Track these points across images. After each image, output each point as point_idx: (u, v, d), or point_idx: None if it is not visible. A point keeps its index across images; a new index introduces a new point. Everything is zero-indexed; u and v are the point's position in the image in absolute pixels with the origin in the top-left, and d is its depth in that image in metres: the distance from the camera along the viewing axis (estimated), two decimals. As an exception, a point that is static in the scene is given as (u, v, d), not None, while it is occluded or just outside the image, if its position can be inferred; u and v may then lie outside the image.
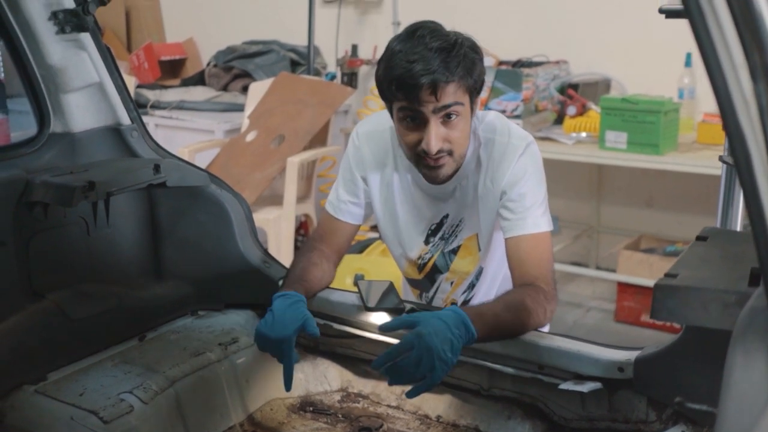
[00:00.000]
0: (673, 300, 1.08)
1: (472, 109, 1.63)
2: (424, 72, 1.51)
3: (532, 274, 1.61)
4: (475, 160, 1.72)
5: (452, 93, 1.55)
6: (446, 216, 1.80)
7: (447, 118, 1.58)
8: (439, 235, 1.82)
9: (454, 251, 1.82)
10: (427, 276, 1.89)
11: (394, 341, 1.67)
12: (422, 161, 1.63)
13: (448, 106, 1.56)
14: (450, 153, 1.61)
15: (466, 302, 1.87)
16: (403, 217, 1.83)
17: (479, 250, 1.80)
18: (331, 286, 1.84)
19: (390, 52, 1.57)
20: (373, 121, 1.85)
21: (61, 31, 1.73)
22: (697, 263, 1.20)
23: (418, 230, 1.83)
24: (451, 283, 1.87)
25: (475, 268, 1.83)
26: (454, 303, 1.88)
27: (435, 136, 1.57)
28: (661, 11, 1.87)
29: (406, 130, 1.62)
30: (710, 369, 1.18)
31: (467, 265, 1.83)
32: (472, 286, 1.86)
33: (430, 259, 1.86)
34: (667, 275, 1.12)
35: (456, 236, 1.81)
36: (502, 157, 1.68)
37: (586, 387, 1.45)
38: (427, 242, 1.84)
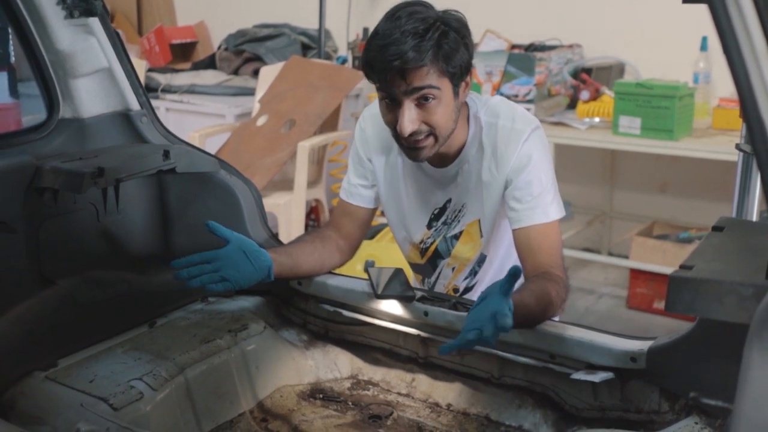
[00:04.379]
0: (689, 292, 1.06)
1: (457, 93, 1.60)
2: (393, 56, 1.50)
3: (546, 262, 1.60)
4: (477, 144, 1.70)
5: (424, 76, 1.53)
6: (449, 200, 1.78)
7: (423, 101, 1.56)
8: (442, 219, 1.81)
9: (456, 237, 1.81)
10: (429, 261, 1.88)
11: (404, 329, 1.67)
12: (401, 142, 1.62)
13: (420, 89, 1.54)
14: (430, 134, 1.59)
15: (468, 289, 1.86)
16: (407, 200, 1.82)
17: (481, 236, 1.78)
18: (342, 272, 1.83)
19: (372, 33, 1.56)
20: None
21: (70, 15, 1.72)
22: (713, 255, 1.18)
23: (421, 214, 1.82)
24: (453, 269, 1.86)
25: (476, 254, 1.82)
26: (456, 289, 1.87)
27: (407, 119, 1.56)
28: (678, -4, 1.82)
29: (385, 111, 1.62)
30: (725, 360, 1.17)
31: (468, 251, 1.82)
32: (474, 273, 1.84)
33: (432, 244, 1.84)
34: (682, 267, 1.10)
35: (458, 221, 1.79)
36: (506, 142, 1.66)
37: (598, 377, 1.44)
38: (429, 226, 1.83)
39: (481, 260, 1.83)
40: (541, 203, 1.63)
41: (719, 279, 1.06)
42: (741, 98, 0.80)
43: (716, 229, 1.31)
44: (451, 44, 1.53)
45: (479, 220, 1.77)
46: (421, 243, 1.86)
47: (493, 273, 1.84)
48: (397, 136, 1.61)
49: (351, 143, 1.88)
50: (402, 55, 1.50)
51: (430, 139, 1.60)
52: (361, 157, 1.83)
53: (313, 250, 1.75)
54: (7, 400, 1.52)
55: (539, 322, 1.51)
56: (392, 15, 1.54)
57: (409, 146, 1.62)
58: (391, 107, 1.59)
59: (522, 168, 1.64)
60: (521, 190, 1.64)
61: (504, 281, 1.30)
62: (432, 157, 1.67)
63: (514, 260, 1.76)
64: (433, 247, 1.85)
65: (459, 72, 1.57)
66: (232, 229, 1.86)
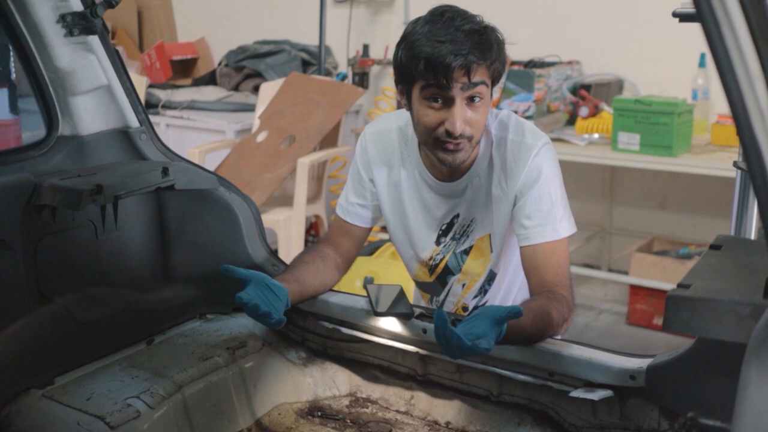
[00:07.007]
0: (686, 311, 1.06)
1: (491, 96, 1.63)
2: (456, 52, 1.51)
3: (551, 281, 1.59)
4: (487, 158, 1.70)
5: (482, 74, 1.56)
6: (457, 216, 1.78)
7: (471, 101, 1.56)
8: (450, 235, 1.80)
9: (466, 252, 1.80)
10: (438, 278, 1.87)
11: (403, 346, 1.66)
12: (441, 144, 1.60)
13: (477, 84, 1.55)
14: (469, 138, 1.59)
15: (477, 308, 1.85)
16: (413, 217, 1.81)
17: (491, 251, 1.78)
18: (341, 289, 1.83)
19: (414, 33, 1.55)
20: (381, 121, 1.85)
21: (70, 34, 1.73)
22: (710, 273, 1.17)
23: (428, 230, 1.81)
24: (463, 285, 1.85)
25: (486, 269, 1.81)
26: (465, 308, 1.86)
27: (460, 117, 1.56)
28: (674, 15, 1.83)
29: (428, 110, 1.58)
30: (724, 379, 1.16)
31: (479, 266, 1.81)
32: (484, 291, 1.83)
33: (441, 261, 1.84)
34: (680, 286, 1.10)
35: (468, 236, 1.79)
36: (516, 157, 1.66)
37: (597, 395, 1.43)
38: (438, 243, 1.82)
39: (491, 278, 1.82)
40: (551, 220, 1.62)
41: (717, 298, 1.06)
42: (736, 121, 0.80)
43: (714, 247, 1.31)
44: (501, 46, 1.59)
45: (490, 235, 1.76)
46: (430, 260, 1.85)
47: (502, 293, 1.83)
48: (435, 140, 1.59)
49: (351, 159, 1.88)
50: (466, 53, 1.51)
51: (468, 143, 1.60)
52: (361, 177, 1.82)
53: (316, 272, 1.75)
54: (3, 418, 1.52)
55: (536, 340, 1.50)
56: (441, 15, 1.55)
57: (450, 149, 1.59)
58: (438, 106, 1.57)
59: (532, 183, 1.64)
60: (531, 206, 1.63)
61: (504, 312, 1.34)
62: (442, 171, 1.67)
63: (522, 279, 1.75)
64: (443, 264, 1.84)
65: (498, 75, 1.61)
66: (232, 247, 1.87)
